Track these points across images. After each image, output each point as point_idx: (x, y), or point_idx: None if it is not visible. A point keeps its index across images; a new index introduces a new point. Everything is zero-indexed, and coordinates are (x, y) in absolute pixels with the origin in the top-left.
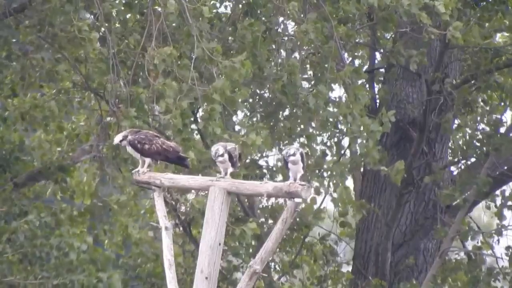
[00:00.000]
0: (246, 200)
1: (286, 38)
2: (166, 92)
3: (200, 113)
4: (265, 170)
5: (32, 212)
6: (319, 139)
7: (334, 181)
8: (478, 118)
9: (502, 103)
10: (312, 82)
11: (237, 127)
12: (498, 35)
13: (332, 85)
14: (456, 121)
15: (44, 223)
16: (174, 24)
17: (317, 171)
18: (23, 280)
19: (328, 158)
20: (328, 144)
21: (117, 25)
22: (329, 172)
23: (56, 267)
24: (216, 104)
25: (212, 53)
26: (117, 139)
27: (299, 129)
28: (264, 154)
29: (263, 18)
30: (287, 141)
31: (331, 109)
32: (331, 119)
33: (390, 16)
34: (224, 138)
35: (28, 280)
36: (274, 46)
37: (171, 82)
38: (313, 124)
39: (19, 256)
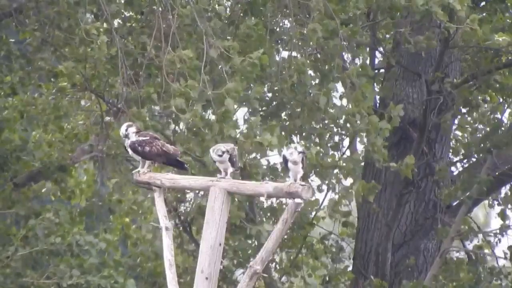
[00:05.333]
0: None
1: (286, 38)
2: (191, 93)
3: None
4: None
5: (43, 211)
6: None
7: (343, 177)
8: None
9: (502, 99)
10: (317, 81)
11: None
12: (497, 35)
13: (337, 83)
14: (456, 121)
15: (65, 221)
16: (184, 24)
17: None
18: (36, 280)
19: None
20: (335, 141)
21: (119, 21)
22: (337, 170)
23: (70, 267)
24: (229, 105)
25: (229, 51)
26: (124, 128)
27: (306, 127)
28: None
29: (263, 18)
30: (288, 142)
31: (340, 105)
32: (339, 117)
33: (393, 5)
34: (239, 139)
35: (41, 280)
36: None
37: (194, 83)
38: (319, 123)
39: (34, 253)
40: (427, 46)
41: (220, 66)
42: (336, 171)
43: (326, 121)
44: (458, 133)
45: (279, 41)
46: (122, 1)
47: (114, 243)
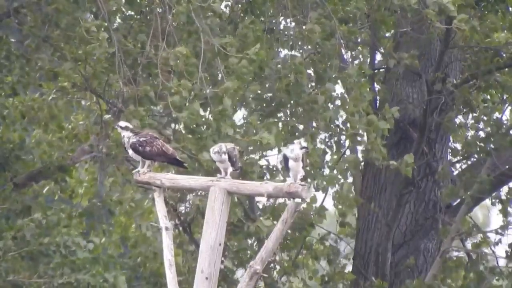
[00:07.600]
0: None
1: (286, 38)
2: (182, 93)
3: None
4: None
5: (36, 209)
6: (320, 137)
7: (339, 178)
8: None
9: (505, 97)
10: (313, 82)
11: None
12: (497, 34)
13: (335, 84)
14: (457, 120)
15: (51, 221)
16: (182, 22)
17: (318, 170)
18: (27, 279)
19: (328, 157)
20: (330, 143)
21: (118, 21)
22: (329, 171)
23: (61, 266)
24: (227, 105)
25: (226, 49)
26: (122, 124)
27: (301, 127)
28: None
29: (262, 18)
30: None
31: (332, 107)
32: (334, 119)
33: (384, 19)
34: (236, 138)
35: (33, 279)
36: (274, 45)
37: (186, 82)
38: (314, 124)
39: (24, 253)
40: (410, 63)
41: (217, 66)
42: (327, 171)
43: (321, 122)
44: (459, 132)
45: (278, 40)
46: (123, 1)
47: (115, 243)
